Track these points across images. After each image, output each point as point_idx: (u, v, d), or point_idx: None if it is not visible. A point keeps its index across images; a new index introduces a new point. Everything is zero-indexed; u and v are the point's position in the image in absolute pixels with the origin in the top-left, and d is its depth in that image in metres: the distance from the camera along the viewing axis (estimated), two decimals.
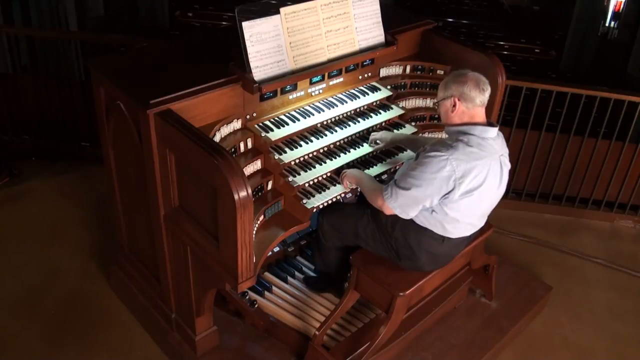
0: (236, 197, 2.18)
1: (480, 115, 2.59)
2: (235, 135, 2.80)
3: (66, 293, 3.58)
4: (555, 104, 4.21)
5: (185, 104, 2.55)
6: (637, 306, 3.81)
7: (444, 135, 3.34)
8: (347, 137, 3.07)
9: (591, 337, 3.56)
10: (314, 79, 3.02)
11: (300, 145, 2.91)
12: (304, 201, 2.75)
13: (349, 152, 3.03)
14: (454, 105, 2.57)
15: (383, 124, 3.23)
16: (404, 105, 3.36)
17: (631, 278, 4.04)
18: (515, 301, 3.52)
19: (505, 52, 8.36)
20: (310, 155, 2.94)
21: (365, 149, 3.06)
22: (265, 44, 2.74)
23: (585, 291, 3.89)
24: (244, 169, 2.55)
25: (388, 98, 3.31)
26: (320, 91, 3.11)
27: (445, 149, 2.49)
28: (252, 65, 2.70)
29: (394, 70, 3.46)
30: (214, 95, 2.65)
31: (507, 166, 2.68)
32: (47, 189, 4.47)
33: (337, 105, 3.10)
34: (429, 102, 3.43)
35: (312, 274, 3.42)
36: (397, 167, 3.05)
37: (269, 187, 2.84)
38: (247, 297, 2.99)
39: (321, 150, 2.98)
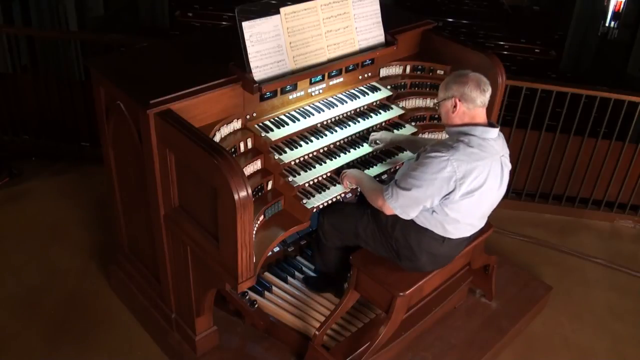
0: (236, 197, 2.18)
1: (481, 115, 2.59)
2: (235, 135, 2.80)
3: (66, 293, 3.58)
4: (555, 104, 4.21)
5: (185, 104, 2.55)
6: (637, 306, 3.81)
7: (444, 135, 3.35)
8: (347, 137, 3.07)
9: (591, 337, 3.56)
10: (314, 79, 3.02)
11: (300, 145, 2.91)
12: (304, 201, 2.75)
13: (349, 152, 3.03)
14: (455, 106, 2.57)
15: (383, 124, 3.23)
16: (404, 105, 3.36)
17: (631, 278, 4.04)
18: (515, 301, 3.52)
19: (505, 52, 8.35)
20: (310, 155, 2.94)
21: (365, 149, 3.06)
22: (265, 44, 2.74)
23: (585, 291, 3.89)
24: (244, 169, 2.55)
25: (388, 98, 3.31)
26: (320, 91, 3.11)
27: (446, 150, 2.49)
28: (252, 65, 2.70)
29: (394, 70, 3.46)
30: (214, 95, 2.65)
31: (508, 167, 2.68)
32: (47, 189, 4.47)
33: (337, 105, 3.10)
34: (429, 102, 3.43)
35: (312, 274, 3.42)
36: (397, 167, 3.05)
37: (269, 187, 2.84)
38: (247, 297, 2.99)
39: (321, 150, 2.98)
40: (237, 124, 2.82)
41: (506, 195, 2.75)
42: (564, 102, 4.20)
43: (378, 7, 3.16)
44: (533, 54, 8.47)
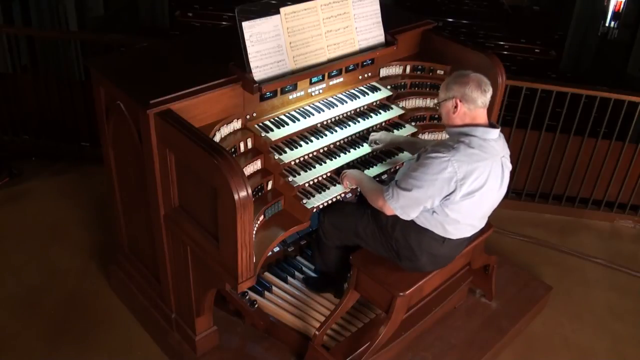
0: (236, 197, 2.18)
1: (482, 116, 2.59)
2: (235, 135, 2.80)
3: (66, 293, 3.58)
4: (555, 104, 4.21)
5: (185, 104, 2.55)
6: (637, 306, 3.81)
7: (444, 135, 3.35)
8: (347, 137, 3.07)
9: (591, 337, 3.56)
10: (314, 79, 3.02)
11: (300, 145, 2.91)
12: (304, 201, 2.75)
13: (349, 152, 3.03)
14: (456, 107, 2.56)
15: (383, 124, 3.23)
16: (404, 105, 3.36)
17: (631, 278, 4.04)
18: (515, 301, 3.52)
19: (505, 52, 8.35)
20: (310, 155, 2.94)
21: (365, 149, 3.06)
22: (265, 44, 2.74)
23: (585, 291, 3.89)
24: (244, 169, 2.55)
25: (388, 98, 3.30)
26: (320, 91, 3.11)
27: (447, 150, 2.49)
28: (252, 65, 2.70)
29: (394, 70, 3.46)
30: (214, 95, 2.64)
31: (509, 167, 2.67)
32: (47, 189, 4.47)
33: (337, 105, 3.10)
34: (429, 102, 3.43)
35: (312, 274, 3.42)
36: (397, 167, 3.05)
37: (269, 187, 2.84)
38: (247, 297, 2.99)
39: (321, 150, 2.98)
40: (237, 124, 2.82)
41: (506, 195, 2.74)
42: (564, 102, 4.20)
43: (378, 7, 3.16)
44: (533, 54, 8.48)
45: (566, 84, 4.36)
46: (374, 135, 3.07)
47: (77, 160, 4.74)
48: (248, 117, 2.85)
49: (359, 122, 3.13)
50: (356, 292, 2.93)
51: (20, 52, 5.64)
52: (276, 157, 2.80)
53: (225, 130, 2.76)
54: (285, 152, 2.85)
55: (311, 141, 2.94)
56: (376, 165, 3.05)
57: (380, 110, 3.23)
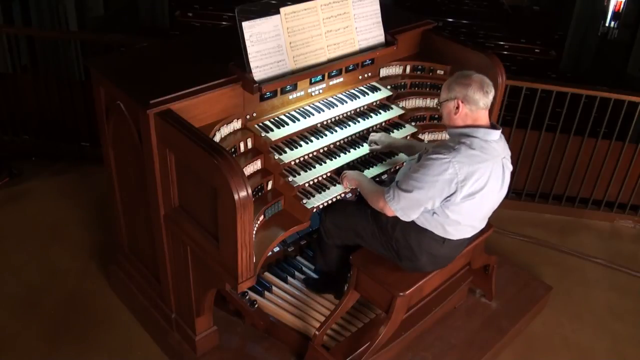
0: (236, 197, 2.18)
1: (483, 117, 2.58)
2: (235, 135, 2.80)
3: (66, 293, 3.58)
4: (555, 104, 4.21)
5: (185, 104, 2.55)
6: (637, 306, 3.81)
7: (444, 135, 3.35)
8: (347, 137, 3.07)
9: (591, 337, 3.56)
10: (314, 79, 3.02)
11: (300, 145, 2.91)
12: (304, 201, 2.75)
13: (349, 152, 3.02)
14: (457, 108, 2.55)
15: (383, 124, 3.23)
16: (404, 105, 3.36)
17: (631, 278, 4.04)
18: (515, 301, 3.52)
19: (505, 52, 8.36)
20: (310, 155, 2.94)
21: (365, 149, 3.06)
22: (265, 44, 2.74)
23: (585, 291, 3.89)
24: (244, 169, 2.55)
25: (388, 98, 3.30)
26: (320, 91, 3.11)
27: (448, 152, 2.48)
28: (252, 65, 2.70)
29: (394, 70, 3.46)
30: (214, 95, 2.64)
31: (509, 168, 2.67)
32: (47, 189, 4.47)
33: (337, 105, 3.10)
34: (429, 102, 3.43)
35: (312, 274, 3.42)
36: (397, 167, 3.05)
37: (269, 187, 2.84)
38: (247, 297, 2.99)
39: (321, 150, 2.98)
40: (237, 124, 2.82)
41: (506, 196, 2.74)
42: (564, 102, 4.20)
43: (378, 7, 3.16)
44: (533, 54, 8.49)
45: (566, 84, 4.36)
46: (373, 136, 3.06)
47: (77, 160, 4.74)
48: (248, 117, 2.85)
49: (359, 122, 3.13)
50: (356, 292, 2.93)
51: (20, 52, 5.64)
52: (276, 157, 2.80)
53: (225, 130, 2.76)
54: (285, 152, 2.85)
55: (311, 141, 2.94)
56: (376, 165, 3.05)
57: (380, 110, 3.23)
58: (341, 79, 3.17)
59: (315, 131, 3.01)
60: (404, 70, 3.49)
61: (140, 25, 9.00)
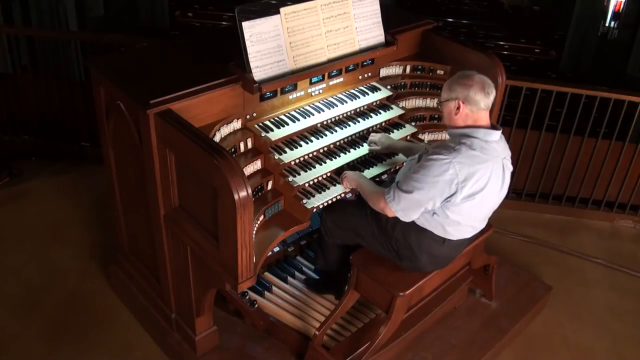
0: (236, 197, 2.18)
1: (484, 118, 2.58)
2: (235, 135, 2.80)
3: (66, 293, 3.58)
4: (555, 104, 4.21)
5: (185, 104, 2.55)
6: (637, 306, 3.81)
7: (444, 135, 3.35)
8: (347, 137, 3.07)
9: (591, 337, 3.56)
10: (314, 79, 3.02)
11: (300, 145, 2.91)
12: (304, 201, 2.75)
13: (349, 152, 3.02)
14: (458, 108, 2.55)
15: (383, 124, 3.23)
16: (404, 105, 3.36)
17: (631, 278, 4.04)
18: (515, 301, 3.52)
19: (505, 52, 8.37)
20: (310, 155, 2.94)
21: (365, 149, 3.06)
22: (265, 44, 2.74)
23: (585, 291, 3.89)
24: (244, 169, 2.55)
25: (388, 98, 3.30)
26: (320, 91, 3.11)
27: (448, 152, 2.48)
28: (252, 65, 2.70)
29: (394, 70, 3.46)
30: (214, 95, 2.64)
31: (509, 169, 2.66)
32: (47, 189, 4.47)
33: (337, 105, 3.10)
34: (429, 102, 3.43)
35: (312, 274, 3.42)
36: (398, 167, 3.05)
37: (269, 187, 2.84)
38: (247, 297, 2.99)
39: (321, 150, 2.98)
40: (237, 124, 2.82)
41: (506, 196, 2.74)
42: (564, 102, 4.20)
43: (378, 7, 3.16)
44: (533, 54, 8.49)
45: (566, 84, 4.36)
46: (373, 137, 3.06)
47: (77, 160, 4.74)
48: (248, 117, 2.85)
49: (359, 122, 3.13)
50: (356, 292, 2.93)
51: (20, 52, 5.64)
52: (276, 157, 2.80)
53: (225, 130, 2.76)
54: (285, 152, 2.85)
55: (311, 141, 2.94)
56: (376, 165, 3.05)
57: (380, 110, 3.23)
58: (341, 79, 3.17)
59: (315, 131, 3.01)
60: (404, 70, 3.49)
61: (140, 25, 9.01)
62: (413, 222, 2.66)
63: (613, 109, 4.16)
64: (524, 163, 4.44)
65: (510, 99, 4.19)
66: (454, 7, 9.33)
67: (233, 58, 2.73)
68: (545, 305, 3.66)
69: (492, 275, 3.39)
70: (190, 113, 2.56)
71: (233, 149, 2.75)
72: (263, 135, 2.81)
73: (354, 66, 3.16)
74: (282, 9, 2.79)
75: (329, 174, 2.92)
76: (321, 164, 2.91)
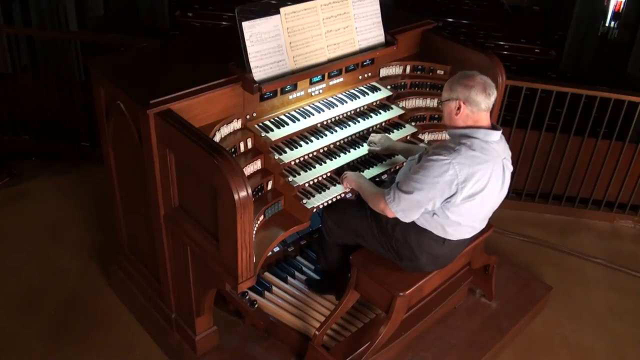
0: (236, 197, 2.18)
1: (484, 119, 2.57)
2: (235, 135, 2.80)
3: (66, 293, 3.58)
4: (555, 104, 4.21)
5: (185, 104, 2.55)
6: (637, 306, 3.81)
7: (444, 135, 3.35)
8: (347, 137, 3.07)
9: (591, 337, 3.56)
10: (314, 79, 3.02)
11: (300, 145, 2.91)
12: (304, 201, 2.75)
13: (349, 152, 3.02)
14: (459, 108, 2.54)
15: (383, 124, 3.23)
16: (404, 105, 3.36)
17: (631, 278, 4.04)
18: (515, 301, 3.52)
19: (505, 52, 8.38)
20: (310, 155, 2.94)
21: (365, 149, 3.06)
22: (265, 44, 2.74)
23: (585, 291, 3.89)
24: (244, 169, 2.55)
25: (388, 98, 3.30)
26: (320, 91, 3.11)
27: (448, 153, 2.48)
28: (252, 65, 2.70)
29: (394, 70, 3.46)
30: (214, 95, 2.64)
31: (510, 169, 2.66)
32: (47, 189, 4.47)
33: (337, 105, 3.10)
34: (429, 102, 3.43)
35: (312, 274, 3.42)
36: (398, 167, 3.05)
37: (269, 187, 2.84)
38: (247, 297, 2.99)
39: (321, 150, 2.98)
40: (237, 124, 2.82)
41: (506, 196, 2.74)
42: (564, 102, 4.20)
43: (378, 7, 3.16)
44: (533, 54, 8.50)
45: (566, 84, 4.36)
46: (373, 137, 3.06)
47: (77, 160, 4.74)
48: (248, 117, 2.85)
49: (359, 122, 3.13)
50: (356, 292, 2.93)
51: (20, 52, 5.63)
52: (276, 157, 2.80)
53: (225, 130, 2.76)
54: (285, 152, 2.85)
55: (311, 141, 2.94)
56: (376, 165, 3.05)
57: (380, 110, 3.23)
58: (341, 79, 3.17)
59: (315, 131, 3.01)
60: (404, 70, 3.49)
61: (140, 25, 9.02)
62: (413, 223, 2.66)
63: (613, 109, 4.16)
64: (524, 163, 4.44)
65: (510, 99, 4.18)
66: (454, 7, 9.35)
67: (233, 58, 2.73)
68: (545, 305, 3.66)
69: (492, 275, 3.39)
70: (190, 113, 2.56)
71: (233, 149, 2.75)
72: (263, 135, 2.81)
73: (354, 66, 3.16)
74: (282, 9, 2.79)
75: (329, 174, 2.92)
76: (321, 164, 2.91)
